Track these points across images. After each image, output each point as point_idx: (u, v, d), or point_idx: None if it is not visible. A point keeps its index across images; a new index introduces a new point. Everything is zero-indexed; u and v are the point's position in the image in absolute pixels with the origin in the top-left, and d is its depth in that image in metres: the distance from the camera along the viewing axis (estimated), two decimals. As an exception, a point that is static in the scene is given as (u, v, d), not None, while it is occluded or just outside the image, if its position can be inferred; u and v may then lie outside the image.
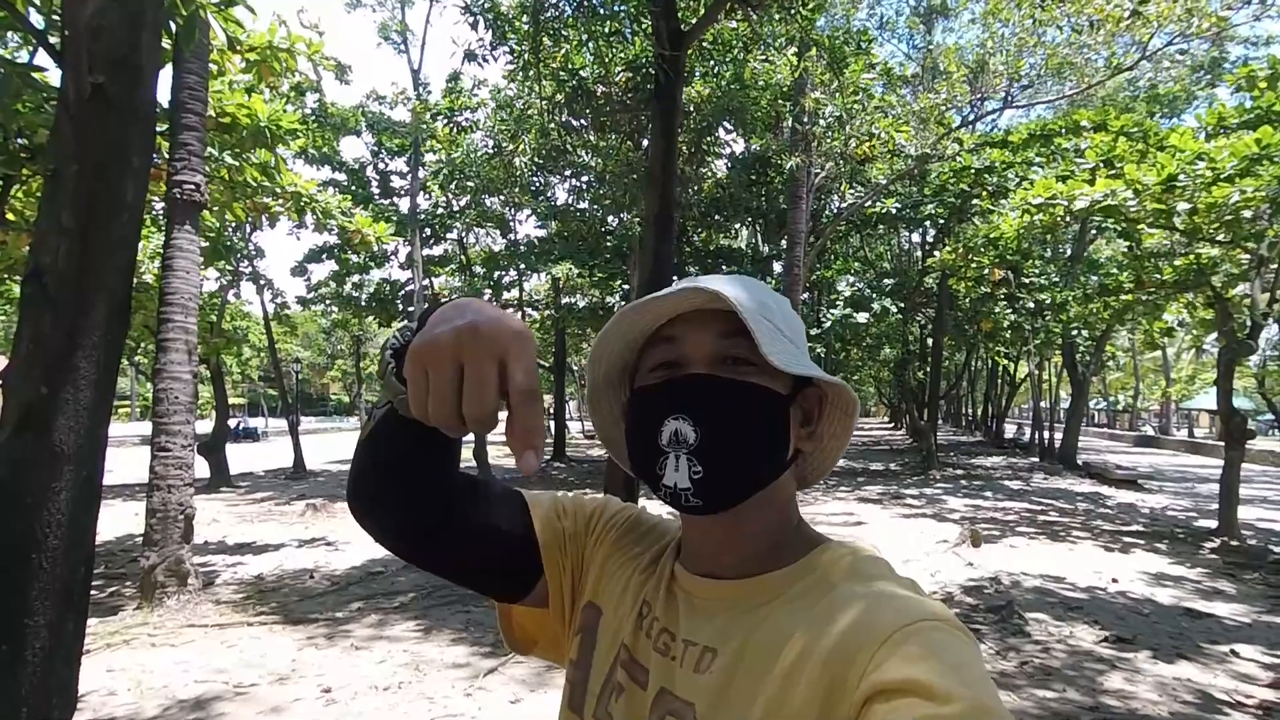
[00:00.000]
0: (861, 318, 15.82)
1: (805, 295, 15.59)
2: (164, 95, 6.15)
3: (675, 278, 6.99)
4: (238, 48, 6.26)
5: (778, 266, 17.06)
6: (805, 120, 10.65)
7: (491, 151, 12.69)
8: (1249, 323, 8.48)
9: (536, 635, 0.80)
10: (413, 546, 0.71)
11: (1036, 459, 20.15)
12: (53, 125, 1.75)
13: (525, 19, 8.14)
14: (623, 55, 8.82)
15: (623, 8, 7.52)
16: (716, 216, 16.10)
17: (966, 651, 0.50)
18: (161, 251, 6.03)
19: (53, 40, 2.37)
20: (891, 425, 44.70)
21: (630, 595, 0.71)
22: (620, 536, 0.77)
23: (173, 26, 3.10)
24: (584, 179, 14.21)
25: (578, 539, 0.77)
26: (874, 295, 16.00)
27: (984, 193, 14.80)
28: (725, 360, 0.62)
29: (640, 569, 0.73)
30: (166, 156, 5.97)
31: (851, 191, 15.97)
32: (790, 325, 0.67)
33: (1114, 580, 6.57)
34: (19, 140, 5.42)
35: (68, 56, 1.73)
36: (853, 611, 0.55)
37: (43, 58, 3.67)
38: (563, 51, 8.97)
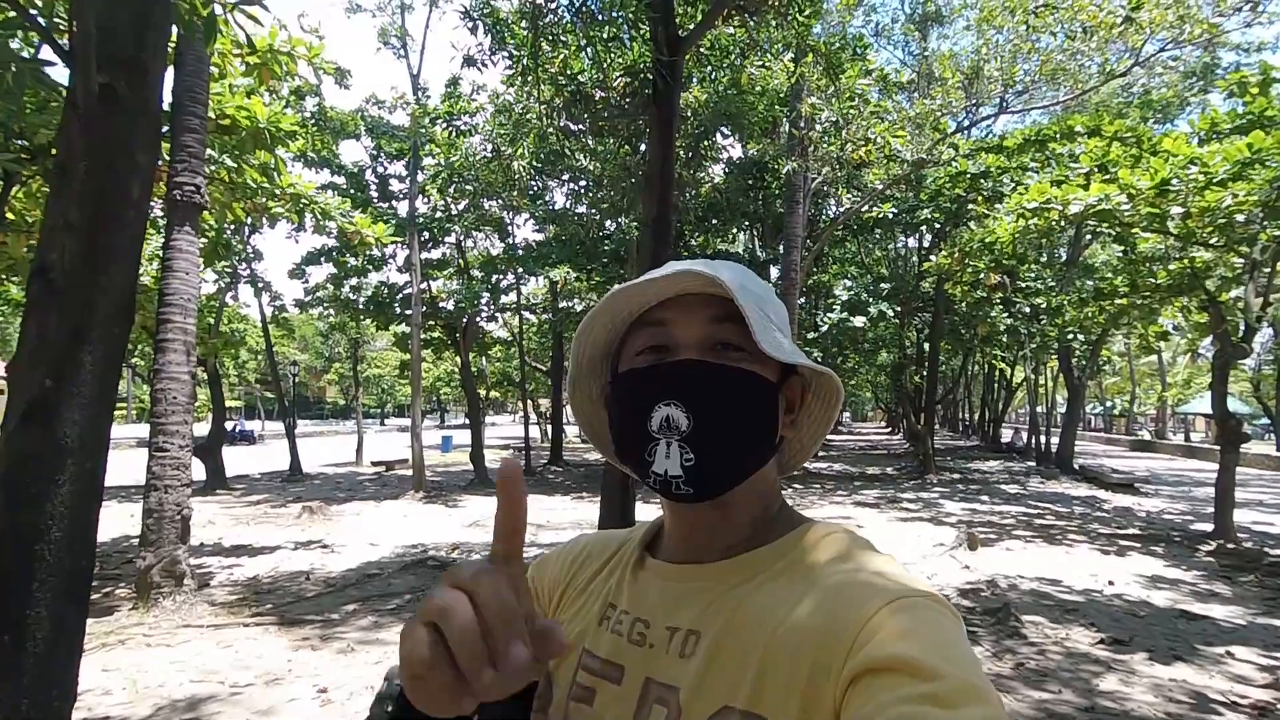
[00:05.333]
0: (858, 322, 15.85)
1: (802, 299, 15.65)
2: (165, 96, 6.16)
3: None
4: (242, 50, 6.30)
5: (774, 271, 17.10)
6: (802, 125, 10.70)
7: (490, 155, 12.72)
8: (1243, 326, 8.53)
9: None
10: None
11: (1033, 463, 20.19)
12: (60, 123, 1.77)
13: (524, 24, 8.17)
14: (621, 60, 8.86)
15: (621, 14, 7.56)
16: (714, 221, 16.16)
17: (950, 627, 0.50)
18: (160, 253, 6.04)
19: (60, 40, 2.39)
20: (888, 430, 44.74)
21: (586, 603, 0.70)
22: (565, 579, 0.75)
23: (174, 30, 3.13)
24: (582, 183, 14.24)
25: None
26: (870, 299, 16.04)
27: (979, 197, 14.86)
28: (715, 345, 0.61)
29: (590, 581, 0.72)
30: (166, 158, 5.98)
31: (848, 196, 16.03)
32: (776, 311, 0.66)
33: (1110, 583, 6.59)
34: (19, 141, 5.44)
35: (76, 56, 1.75)
36: (836, 589, 0.55)
37: (47, 53, 3.70)
38: (561, 56, 9.00)
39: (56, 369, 1.65)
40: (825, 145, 11.34)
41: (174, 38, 5.44)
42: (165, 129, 5.97)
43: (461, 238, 17.82)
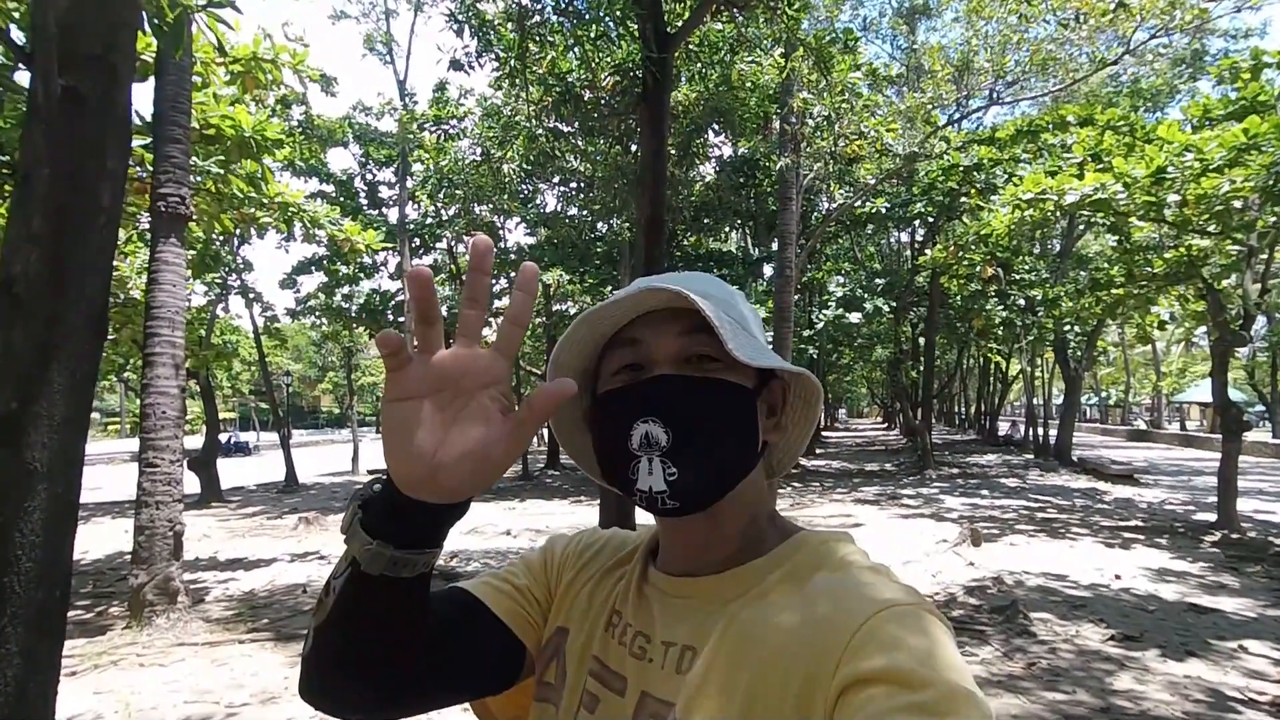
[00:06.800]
0: (854, 318, 15.81)
1: (797, 296, 15.58)
2: (147, 107, 6.06)
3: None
4: (222, 59, 6.20)
5: (768, 269, 17.05)
6: (793, 120, 10.64)
7: (479, 159, 12.62)
8: (1241, 314, 8.49)
9: (518, 708, 0.75)
10: (402, 710, 0.65)
11: (1031, 456, 20.18)
12: (22, 127, 1.68)
13: (510, 25, 8.08)
14: (609, 59, 8.78)
15: (608, 12, 7.48)
16: (706, 220, 16.09)
17: (939, 636, 0.50)
18: (148, 266, 5.92)
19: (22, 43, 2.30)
20: (885, 426, 44.77)
21: (596, 606, 0.71)
22: (575, 565, 0.77)
23: (150, 35, 3.03)
24: (573, 184, 14.16)
25: (541, 589, 0.76)
26: (865, 295, 16.00)
27: (972, 190, 14.83)
28: (689, 358, 0.62)
29: (601, 582, 0.73)
30: (150, 169, 5.88)
31: (841, 192, 15.99)
32: (747, 318, 0.67)
33: (1117, 577, 6.53)
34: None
35: (37, 55, 1.65)
36: (826, 601, 0.55)
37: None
38: (549, 57, 8.91)
39: (23, 389, 1.55)
40: (818, 140, 11.28)
41: (155, 46, 5.33)
42: (149, 140, 5.87)
43: (453, 243, 17.76)
